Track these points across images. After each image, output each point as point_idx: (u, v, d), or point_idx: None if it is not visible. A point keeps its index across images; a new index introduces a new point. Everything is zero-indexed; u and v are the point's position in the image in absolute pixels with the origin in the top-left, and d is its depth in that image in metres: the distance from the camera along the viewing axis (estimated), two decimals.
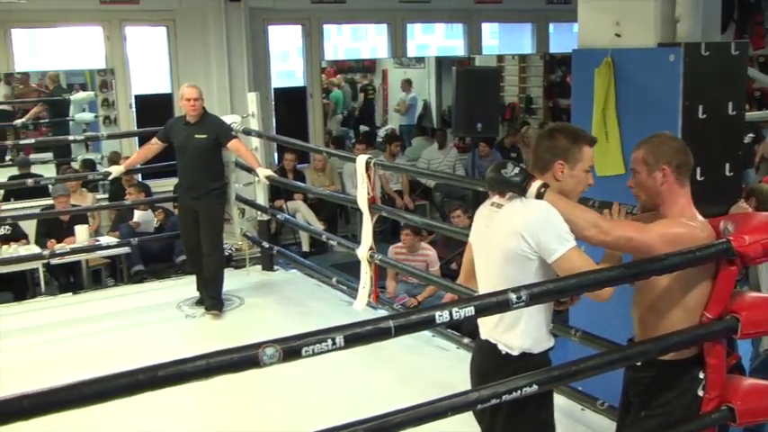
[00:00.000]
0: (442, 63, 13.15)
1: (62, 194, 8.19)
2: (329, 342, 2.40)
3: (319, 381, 4.87)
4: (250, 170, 7.07)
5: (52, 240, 7.99)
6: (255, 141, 7.41)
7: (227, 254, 7.28)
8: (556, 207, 2.90)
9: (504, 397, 2.78)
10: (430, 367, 5.34)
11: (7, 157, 10.18)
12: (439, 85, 13.05)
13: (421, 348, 5.54)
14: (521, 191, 2.94)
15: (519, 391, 2.80)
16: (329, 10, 11.65)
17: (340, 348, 2.42)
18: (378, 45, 15.41)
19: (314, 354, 2.38)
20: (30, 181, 7.92)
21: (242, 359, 2.30)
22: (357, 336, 2.46)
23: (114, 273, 8.60)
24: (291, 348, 2.35)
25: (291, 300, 6.94)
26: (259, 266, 7.70)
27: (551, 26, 13.91)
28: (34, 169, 9.59)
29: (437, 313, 2.55)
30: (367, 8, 12.06)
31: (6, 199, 8.90)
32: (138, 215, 8.63)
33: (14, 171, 9.64)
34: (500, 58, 13.94)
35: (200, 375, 2.28)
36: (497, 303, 2.67)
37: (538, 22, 13.68)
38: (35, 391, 2.14)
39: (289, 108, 11.60)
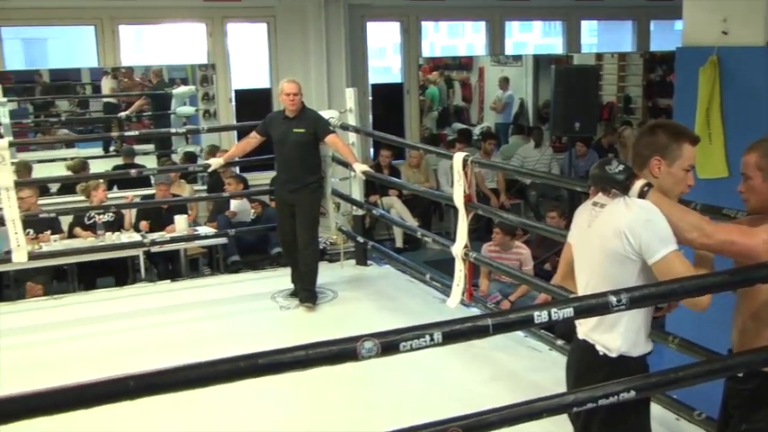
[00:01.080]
0: (540, 61, 13.02)
1: (163, 182, 8.41)
2: (427, 338, 2.40)
3: (410, 376, 4.88)
4: (347, 165, 7.13)
5: (145, 222, 8.24)
6: (352, 137, 7.46)
7: (321, 247, 7.36)
8: (659, 207, 2.84)
9: (600, 401, 2.75)
10: (521, 367, 5.30)
11: (111, 148, 10.51)
12: (536, 83, 12.92)
13: (513, 348, 5.50)
14: (623, 188, 2.90)
15: (616, 396, 2.76)
16: (428, 7, 11.66)
17: (437, 345, 2.42)
18: (474, 42, 15.33)
19: (411, 349, 2.39)
20: (133, 171, 8.18)
21: (341, 352, 2.32)
22: (455, 333, 2.46)
23: (211, 262, 8.79)
24: (389, 343, 2.37)
25: (384, 295, 6.97)
26: (353, 261, 7.76)
27: (652, 23, 13.60)
28: (136, 160, 9.89)
29: (536, 313, 2.54)
30: (465, 5, 12.03)
31: (110, 188, 9.17)
32: (234, 204, 8.77)
33: (119, 161, 9.97)
34: (599, 56, 13.73)
35: (298, 366, 2.32)
36: (597, 305, 2.64)
37: (638, 20, 13.39)
38: (141, 372, 2.21)
39: (385, 104, 11.65)
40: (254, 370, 2.27)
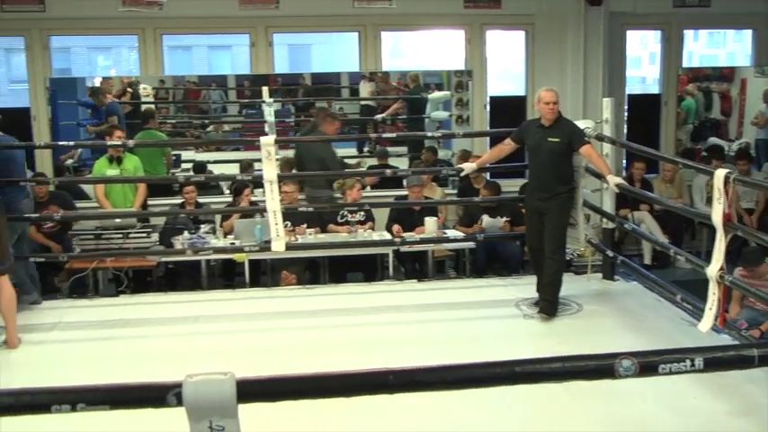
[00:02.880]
0: None
1: (416, 185, 8.58)
2: (687, 363, 2.34)
3: (652, 398, 4.72)
4: (600, 176, 6.98)
5: (398, 226, 8.44)
6: (607, 147, 7.31)
7: (568, 258, 7.26)
8: None
9: None
10: None
11: (365, 149, 10.92)
12: None
13: (766, 381, 5.14)
14: None
15: None
16: (691, 14, 11.15)
17: (698, 371, 2.34)
18: (736, 52, 14.59)
19: (670, 372, 2.33)
20: (388, 171, 8.46)
21: (598, 367, 2.30)
22: (718, 360, 2.38)
23: (457, 265, 8.86)
24: (649, 363, 2.32)
25: (630, 312, 6.74)
26: (599, 274, 7.60)
27: None
28: (389, 162, 10.22)
29: None
30: (733, 12, 11.35)
31: (363, 187, 9.50)
32: (485, 221, 8.72)
33: (371, 161, 10.40)
34: None
35: (554, 377, 2.32)
36: None
37: None
38: (401, 368, 2.30)
39: (640, 115, 11.30)
40: (510, 377, 2.30)
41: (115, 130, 8.59)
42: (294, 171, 9.04)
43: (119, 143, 8.20)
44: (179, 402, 2.22)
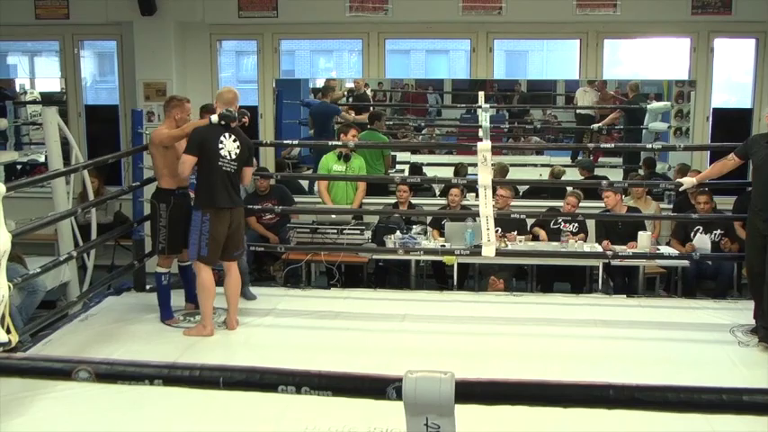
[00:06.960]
0: None
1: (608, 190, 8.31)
2: None
3: None
4: None
5: (607, 241, 8.25)
6: None
7: None
8: None
9: None
10: None
11: (579, 158, 10.74)
12: None
13: None
14: None
15: None
16: None
17: None
18: None
19: None
20: (604, 183, 8.27)
21: None
22: None
23: (668, 284, 8.57)
24: None
25: None
26: None
27: None
28: (605, 173, 10.02)
29: None
30: None
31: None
32: (697, 240, 8.34)
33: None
34: None
35: None
36: None
37: None
38: (622, 383, 2.25)
39: None
40: (738, 406, 2.19)
41: (350, 129, 8.86)
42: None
43: (339, 143, 8.47)
44: (398, 396, 2.24)
